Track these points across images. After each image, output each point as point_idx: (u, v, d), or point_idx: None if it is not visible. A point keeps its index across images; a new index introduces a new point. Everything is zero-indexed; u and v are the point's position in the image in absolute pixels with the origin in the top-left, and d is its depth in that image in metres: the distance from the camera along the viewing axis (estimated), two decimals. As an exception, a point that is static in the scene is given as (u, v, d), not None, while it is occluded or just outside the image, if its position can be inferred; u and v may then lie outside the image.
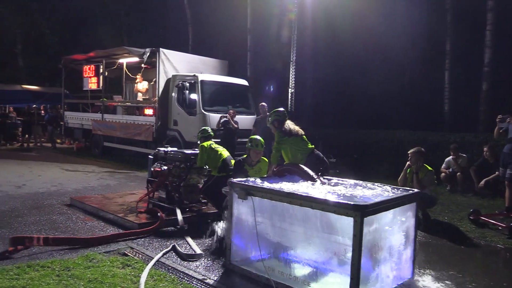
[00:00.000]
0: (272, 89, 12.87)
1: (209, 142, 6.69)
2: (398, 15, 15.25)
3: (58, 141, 18.05)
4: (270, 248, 4.18)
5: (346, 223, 3.39)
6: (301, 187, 4.18)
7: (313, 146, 5.78)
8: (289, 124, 5.82)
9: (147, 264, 4.45)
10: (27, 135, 18.01)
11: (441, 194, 8.38)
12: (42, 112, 19.73)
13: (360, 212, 3.28)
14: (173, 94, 12.08)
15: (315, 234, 3.85)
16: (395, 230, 3.91)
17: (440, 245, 5.80)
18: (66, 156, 14.40)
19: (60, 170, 11.26)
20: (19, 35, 25.90)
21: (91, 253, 4.74)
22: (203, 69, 12.85)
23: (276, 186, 4.18)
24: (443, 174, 9.40)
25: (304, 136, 5.76)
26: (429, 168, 6.82)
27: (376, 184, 4.45)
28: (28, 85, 21.61)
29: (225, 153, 6.52)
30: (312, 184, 4.40)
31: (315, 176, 4.59)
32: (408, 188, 4.39)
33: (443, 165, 9.47)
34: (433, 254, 5.26)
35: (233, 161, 6.35)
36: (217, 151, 6.52)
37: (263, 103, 10.73)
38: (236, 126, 10.75)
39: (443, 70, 14.61)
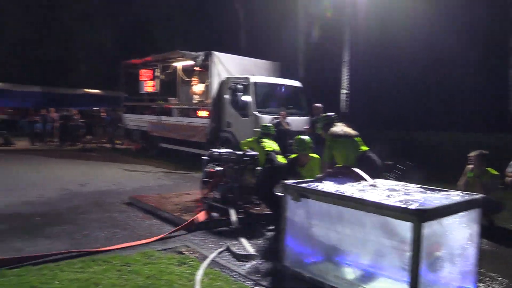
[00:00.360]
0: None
1: (260, 139, 6.84)
2: (456, 12, 14.55)
3: (118, 142, 18.84)
4: (324, 251, 4.14)
5: (404, 228, 3.28)
6: (357, 190, 4.10)
7: (366, 148, 5.64)
8: (339, 127, 5.74)
9: (202, 263, 4.55)
10: (89, 136, 18.98)
11: (508, 199, 7.90)
12: (103, 114, 20.71)
13: (420, 217, 3.17)
14: (226, 96, 12.27)
15: (370, 238, 3.76)
16: (457, 237, 3.73)
17: (507, 254, 5.48)
18: (125, 157, 15.00)
19: (119, 170, 11.75)
20: (82, 42, 27.36)
21: (149, 250, 4.92)
22: (255, 71, 12.95)
23: (330, 188, 4.12)
24: (509, 178, 8.84)
25: (356, 137, 5.62)
26: (494, 171, 6.45)
27: (436, 188, 4.27)
28: (90, 89, 22.78)
29: (270, 147, 6.60)
30: (368, 187, 4.31)
31: (369, 179, 4.48)
32: (471, 193, 4.18)
33: (509, 169, 8.91)
34: (498, 264, 4.97)
35: (279, 157, 6.42)
36: (262, 146, 6.61)
37: (319, 104, 10.63)
38: (288, 127, 10.73)
39: (506, 68, 13.77)
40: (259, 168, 6.75)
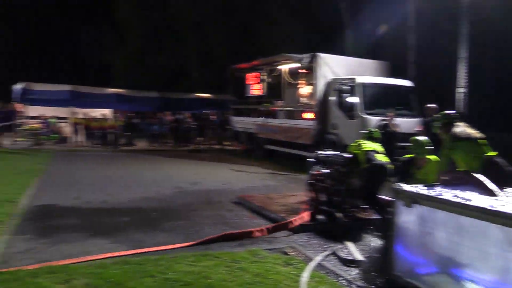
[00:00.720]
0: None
1: (360, 141, 6.74)
2: None
3: (226, 143, 19.64)
4: (438, 262, 3.85)
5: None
6: (478, 198, 3.74)
7: (493, 152, 5.05)
8: (461, 127, 5.19)
9: (308, 265, 4.53)
10: (200, 138, 20.11)
11: None
12: (213, 117, 21.81)
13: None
14: (332, 97, 12.11)
15: (494, 251, 3.39)
16: None
17: None
18: (233, 157, 15.60)
19: (228, 170, 12.26)
20: (194, 49, 29.13)
21: (256, 249, 5.05)
22: (362, 71, 12.57)
23: (447, 195, 3.81)
24: None
25: (481, 140, 5.05)
26: None
27: None
28: (201, 93, 24.16)
29: (369, 148, 6.39)
30: (492, 196, 3.90)
31: (494, 187, 4.05)
32: None
33: None
34: None
35: (379, 156, 6.18)
36: (362, 147, 6.43)
37: (432, 104, 9.94)
38: (395, 129, 10.24)
39: None
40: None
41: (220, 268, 4.42)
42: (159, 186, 9.41)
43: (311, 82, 13.12)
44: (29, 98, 18.90)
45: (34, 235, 5.49)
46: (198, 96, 23.93)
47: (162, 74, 28.51)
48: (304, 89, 13.87)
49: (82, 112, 19.93)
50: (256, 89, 16.48)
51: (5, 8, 30.86)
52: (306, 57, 12.78)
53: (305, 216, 6.23)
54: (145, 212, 7.04)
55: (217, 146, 19.65)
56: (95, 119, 20.21)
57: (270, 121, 14.95)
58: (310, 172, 6.88)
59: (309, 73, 13.21)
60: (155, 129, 20.86)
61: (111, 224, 6.18)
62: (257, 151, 15.89)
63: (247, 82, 16.99)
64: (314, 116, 12.56)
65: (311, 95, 13.08)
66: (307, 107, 13.23)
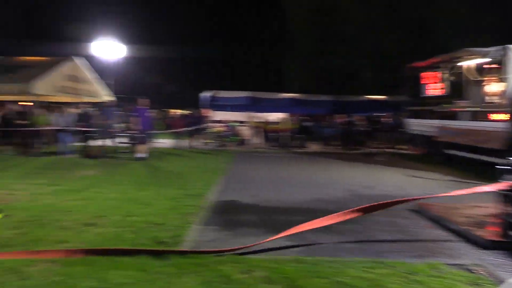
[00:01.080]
0: None
1: None
2: None
3: (402, 147, 18.74)
4: None
5: None
6: None
7: None
8: None
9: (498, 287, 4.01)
10: (372, 141, 19.62)
11: None
12: (388, 119, 21.08)
13: None
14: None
15: None
16: None
17: None
18: (408, 162, 14.72)
19: (402, 175, 11.65)
20: (365, 49, 28.59)
21: (436, 262, 4.69)
22: None
23: None
24: None
25: None
26: None
27: None
28: (373, 95, 23.57)
29: None
30: None
31: None
32: None
33: None
34: None
35: None
36: None
37: None
38: None
39: None
40: None
41: (395, 277, 4.24)
42: (331, 188, 9.50)
43: (501, 78, 11.59)
44: (215, 105, 21.30)
45: (219, 227, 6.12)
46: (368, 98, 23.43)
47: (334, 76, 28.79)
48: (492, 87, 12.36)
49: (260, 116, 21.46)
50: (434, 89, 15.35)
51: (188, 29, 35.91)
52: (494, 50, 11.37)
53: (495, 231, 5.49)
54: (317, 212, 7.14)
55: (390, 150, 18.89)
56: (271, 123, 21.56)
57: (451, 123, 13.69)
58: (502, 181, 6.04)
59: (499, 68, 11.70)
60: (327, 132, 21.14)
61: (286, 222, 6.45)
62: (436, 155, 14.72)
63: (423, 82, 15.95)
64: (507, 117, 11.02)
65: (502, 93, 11.54)
66: (496, 107, 11.72)
